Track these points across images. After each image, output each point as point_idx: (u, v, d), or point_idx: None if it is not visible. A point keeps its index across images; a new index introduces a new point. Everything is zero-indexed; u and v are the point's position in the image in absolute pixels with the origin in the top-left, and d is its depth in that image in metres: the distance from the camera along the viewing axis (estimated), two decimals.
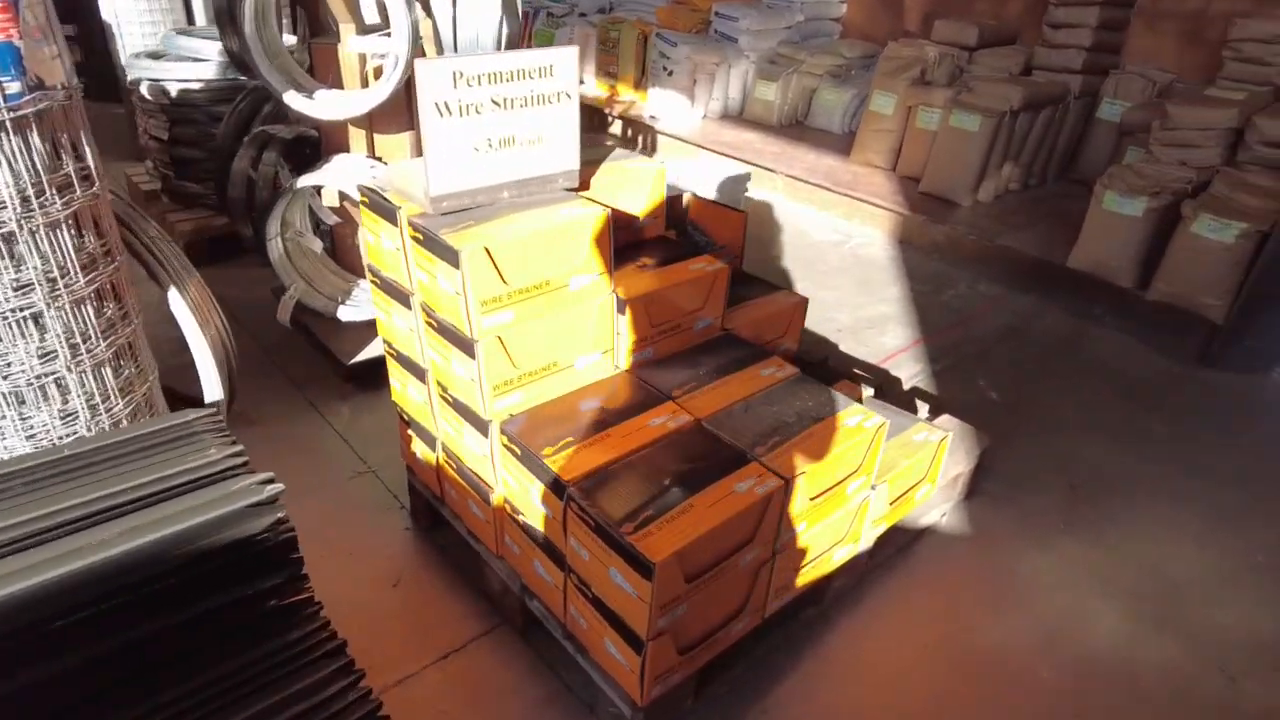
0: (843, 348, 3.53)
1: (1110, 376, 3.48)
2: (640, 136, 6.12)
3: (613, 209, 2.20)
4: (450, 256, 1.67)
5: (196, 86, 3.74)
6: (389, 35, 2.53)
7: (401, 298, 1.99)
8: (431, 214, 1.80)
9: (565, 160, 1.96)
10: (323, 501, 2.53)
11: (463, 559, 2.26)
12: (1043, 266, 4.10)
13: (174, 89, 3.73)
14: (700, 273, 2.10)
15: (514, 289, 1.75)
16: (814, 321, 3.71)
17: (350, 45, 2.50)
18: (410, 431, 2.28)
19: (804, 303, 2.52)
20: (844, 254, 4.51)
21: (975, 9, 6.01)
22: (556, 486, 1.69)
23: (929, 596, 2.30)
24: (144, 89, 3.77)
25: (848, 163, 5.38)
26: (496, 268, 1.70)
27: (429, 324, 1.91)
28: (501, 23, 2.95)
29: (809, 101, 6.18)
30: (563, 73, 1.86)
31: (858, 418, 1.93)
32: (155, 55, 3.97)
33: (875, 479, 2.05)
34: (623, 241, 2.19)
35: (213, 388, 2.26)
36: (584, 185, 2.09)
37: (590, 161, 2.19)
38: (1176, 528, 2.63)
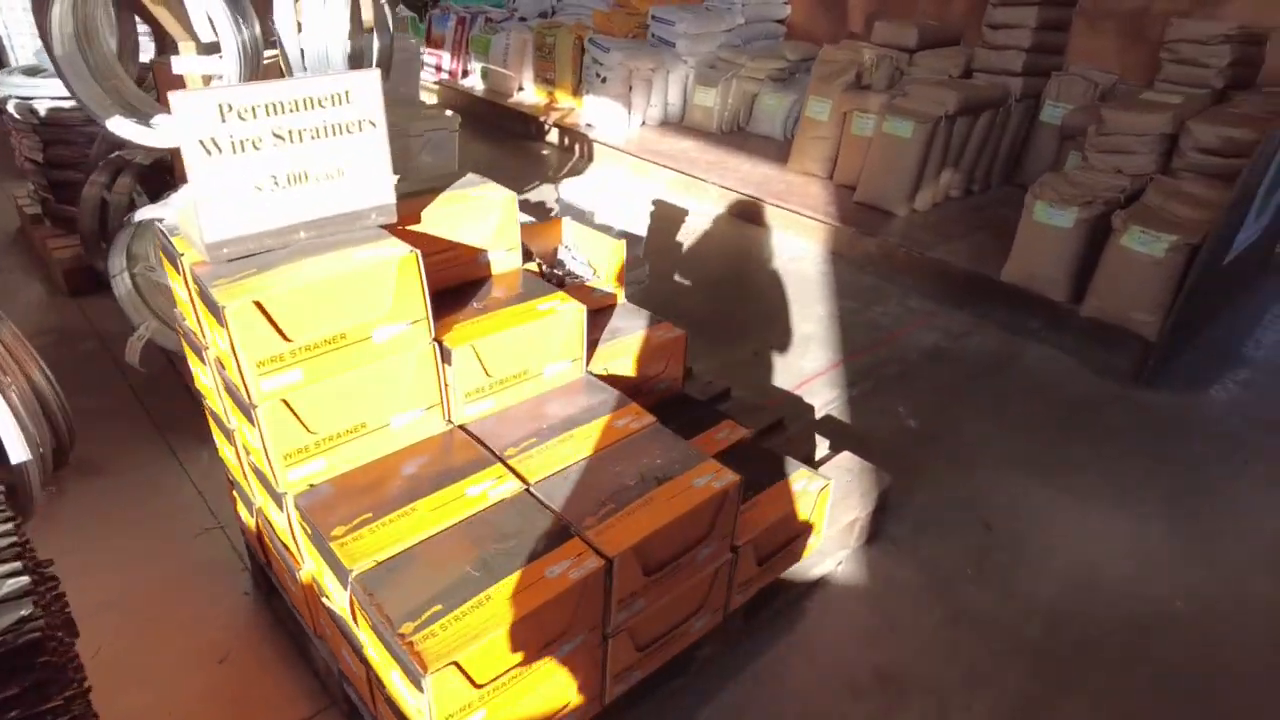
0: (758, 373, 3.33)
1: (1040, 398, 3.30)
2: (577, 145, 5.91)
3: (452, 243, 2.00)
4: (217, 313, 1.46)
5: (69, 105, 3.50)
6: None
7: (198, 352, 1.78)
8: (211, 262, 1.58)
9: (378, 194, 1.74)
10: (162, 564, 2.30)
11: (295, 631, 2.04)
12: (976, 280, 3.92)
13: (44, 108, 3.49)
14: (550, 312, 1.89)
15: (300, 345, 1.54)
16: (731, 344, 3.51)
17: (177, 66, 2.28)
18: (235, 492, 2.06)
19: (682, 338, 2.32)
20: (773, 269, 4.31)
21: (918, 9, 5.84)
22: (342, 573, 1.48)
23: (806, 663, 2.10)
24: (12, 107, 3.52)
25: (785, 171, 5.19)
26: (273, 323, 1.49)
27: (221, 383, 1.69)
28: (368, 38, 2.73)
29: (751, 107, 5.99)
30: (362, 99, 1.64)
31: (708, 477, 1.72)
32: (32, 71, 3.73)
33: (737, 539, 1.85)
34: (461, 279, 1.99)
35: (17, 448, 2.04)
36: (412, 219, 1.88)
37: (427, 191, 1.99)
38: (1094, 572, 2.44)
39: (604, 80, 5.67)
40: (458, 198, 1.98)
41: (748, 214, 4.84)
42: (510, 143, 6.26)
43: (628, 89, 5.79)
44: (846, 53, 4.98)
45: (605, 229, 3.18)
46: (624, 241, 2.38)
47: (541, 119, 6.14)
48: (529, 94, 6.67)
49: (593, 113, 5.86)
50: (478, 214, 2.00)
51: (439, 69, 7.11)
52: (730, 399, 2.74)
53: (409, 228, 1.89)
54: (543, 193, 5.19)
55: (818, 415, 3.08)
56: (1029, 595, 2.34)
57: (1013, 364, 3.53)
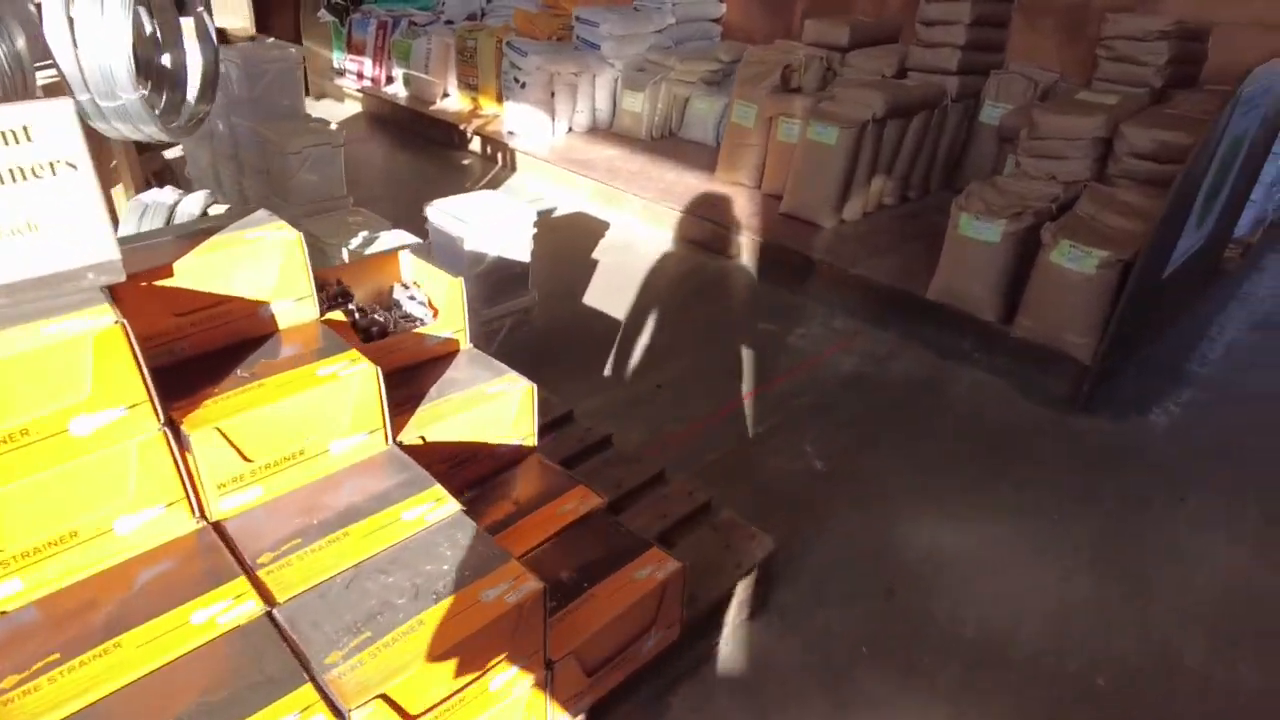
0: (655, 411, 3.03)
1: (965, 429, 3.03)
2: (499, 154, 5.59)
3: (221, 296, 1.68)
4: None
5: None
6: None
7: None
8: None
9: (94, 249, 1.41)
10: None
11: None
12: (903, 298, 3.64)
13: None
14: (331, 378, 1.58)
15: None
16: (632, 377, 3.21)
17: None
18: None
19: (530, 390, 2.00)
20: (690, 290, 4.02)
21: (855, 6, 5.56)
22: None
23: None
24: None
25: (712, 181, 4.89)
26: None
27: None
28: (182, 51, 2.40)
29: (683, 112, 5.69)
30: (51, 135, 1.32)
31: (503, 586, 1.41)
32: None
33: (552, 652, 1.54)
34: (234, 338, 1.67)
35: None
36: (164, 271, 1.56)
37: (194, 234, 1.67)
38: (1007, 644, 2.16)
39: (523, 86, 5.35)
40: (230, 241, 1.66)
41: (668, 229, 4.54)
42: (433, 152, 5.92)
43: (550, 95, 5.48)
44: (773, 53, 4.69)
45: (477, 257, 2.86)
46: (461, 280, 2.07)
47: (463, 127, 5.81)
48: (454, 100, 6.34)
49: (514, 120, 5.54)
50: (255, 259, 1.68)
51: (360, 76, 6.76)
52: (610, 448, 2.44)
53: (159, 283, 1.57)
54: None
55: (715, 458, 2.78)
56: (929, 676, 2.05)
57: (938, 391, 3.26)
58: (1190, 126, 3.28)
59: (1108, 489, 2.77)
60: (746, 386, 3.20)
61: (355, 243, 3.43)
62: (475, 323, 2.91)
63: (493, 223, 2.85)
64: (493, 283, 2.92)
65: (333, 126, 3.84)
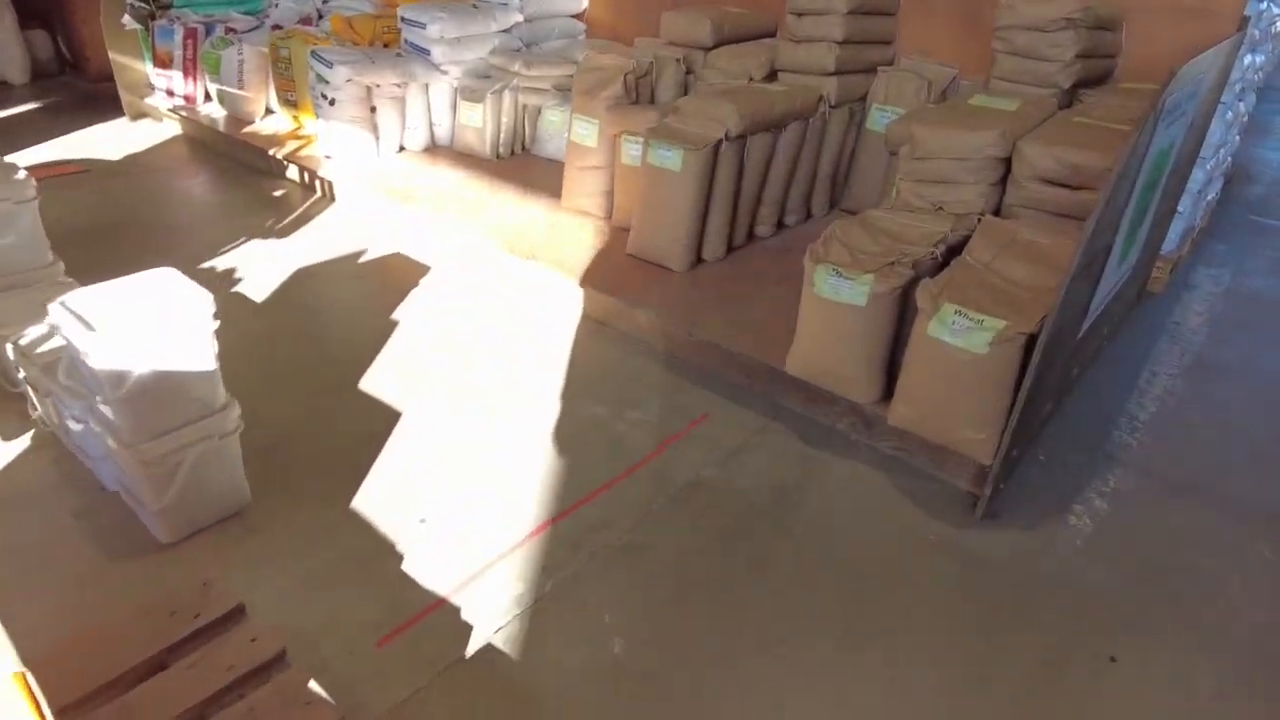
0: (396, 571, 2.20)
1: (828, 557, 2.26)
2: (317, 182, 4.68)
3: None
4: None
5: None
6: None
7: None
8: None
9: None
10: None
11: None
12: (761, 370, 2.87)
13: None
14: None
15: None
16: (394, 503, 2.37)
17: None
18: None
19: None
20: (507, 360, 3.18)
21: None
22: None
23: None
24: None
25: (558, 210, 4.07)
26: None
27: None
28: None
29: (535, 124, 4.86)
30: None
31: None
32: None
33: None
34: None
35: None
36: None
37: None
38: None
39: (332, 102, 4.45)
40: None
41: (494, 274, 3.70)
42: (247, 182, 4.98)
43: (370, 110, 4.59)
44: (611, 57, 3.88)
45: (117, 376, 1.97)
46: None
47: (272, 151, 4.88)
48: (276, 119, 5.40)
49: (330, 142, 4.64)
50: None
51: (170, 94, 5.76)
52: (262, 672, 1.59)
53: None
54: (248, 253, 3.96)
55: (456, 659, 1.95)
56: None
57: (798, 501, 2.49)
58: (1105, 142, 2.56)
59: (1014, 646, 2.03)
60: (542, 512, 2.39)
61: (35, 332, 2.53)
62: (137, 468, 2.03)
63: (140, 325, 1.98)
64: (154, 406, 2.04)
65: (20, 174, 2.92)
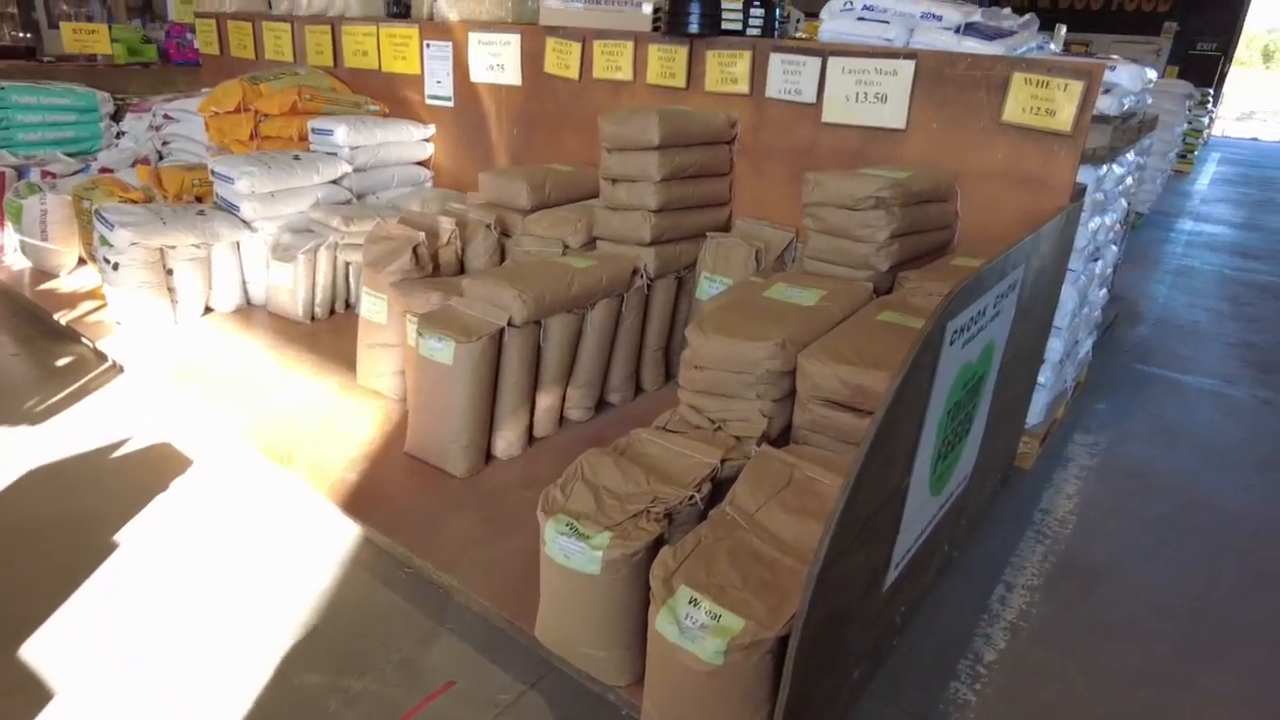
0: None
1: None
2: (109, 350, 4.14)
3: None
4: None
5: None
6: None
7: None
8: None
9: None
10: None
11: None
12: (498, 636, 2.34)
13: None
14: None
15: None
16: None
17: None
18: None
19: None
20: (223, 603, 2.61)
21: (567, 146, 4.48)
22: None
23: None
24: None
25: (351, 388, 3.58)
26: None
27: None
28: None
29: (359, 283, 4.42)
30: None
31: None
32: None
33: None
34: None
35: None
36: None
37: None
38: None
39: (115, 267, 3.97)
40: None
41: (253, 477, 3.16)
42: (41, 345, 4.42)
43: (165, 273, 4.11)
44: (411, 224, 3.48)
45: None
46: None
47: (58, 315, 4.35)
48: (83, 274, 4.90)
49: (119, 307, 4.13)
50: None
51: None
52: None
53: None
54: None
55: None
56: None
57: None
58: (901, 353, 2.16)
59: None
60: None
61: None
62: None
63: None
64: None
65: None
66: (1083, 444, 3.95)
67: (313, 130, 4.75)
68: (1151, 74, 4.05)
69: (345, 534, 2.86)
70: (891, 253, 2.82)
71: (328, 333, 4.21)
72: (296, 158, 4.51)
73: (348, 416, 3.35)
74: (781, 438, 2.44)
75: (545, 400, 3.17)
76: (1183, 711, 2.39)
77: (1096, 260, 3.87)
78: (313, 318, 4.33)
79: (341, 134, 4.65)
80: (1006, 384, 2.72)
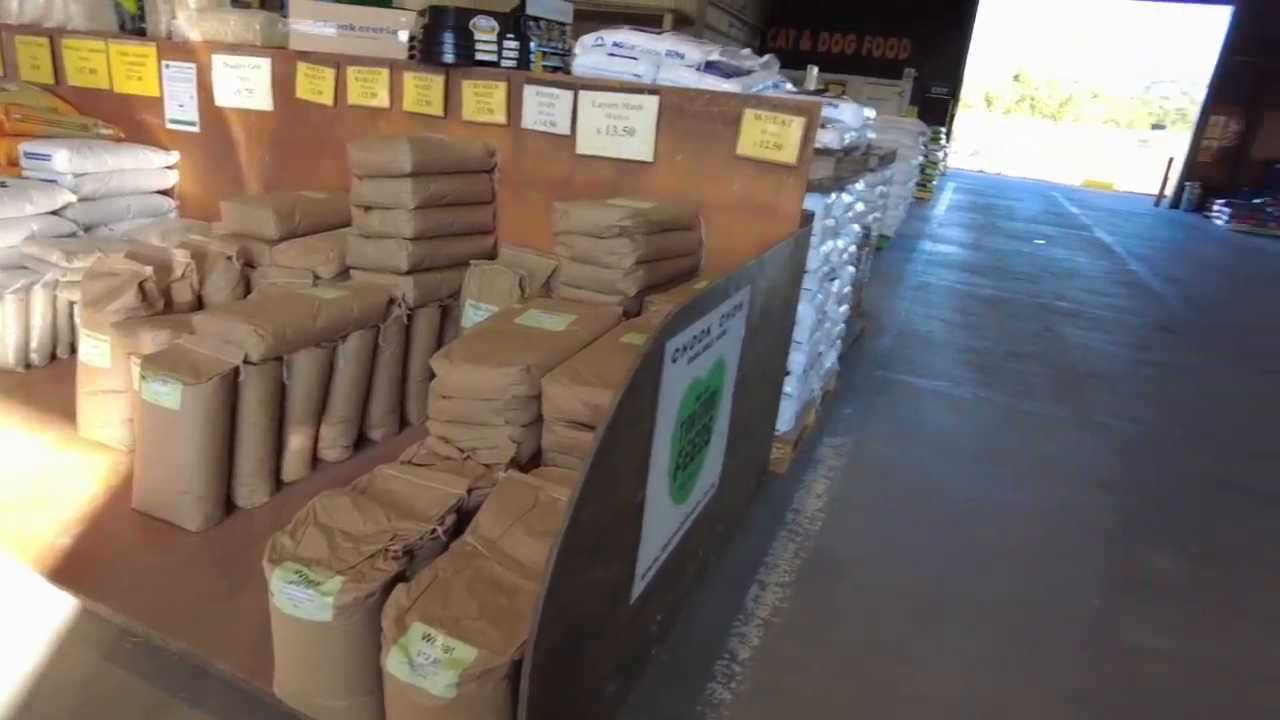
0: None
1: None
2: None
3: None
4: None
5: None
6: None
7: None
8: None
9: None
10: None
11: None
12: (239, 699, 2.18)
13: None
14: None
15: None
16: None
17: None
18: None
19: None
20: None
21: (322, 173, 4.30)
22: None
23: None
24: None
25: (73, 440, 3.20)
26: None
27: None
28: None
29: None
30: None
31: None
32: None
33: None
34: None
35: None
36: None
37: None
38: None
39: None
40: None
41: None
42: None
43: None
44: (126, 261, 3.18)
45: None
46: None
47: None
48: None
49: None
50: None
51: None
52: None
53: None
54: None
55: None
56: None
57: None
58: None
59: None
60: None
61: None
62: None
63: None
64: None
65: None
66: (832, 446, 4.31)
67: (25, 154, 4.23)
68: (870, 112, 4.54)
69: (61, 608, 2.54)
70: (637, 278, 2.95)
71: (47, 380, 3.74)
72: (4, 184, 3.99)
73: (66, 473, 2.99)
74: (534, 462, 2.46)
75: (294, 441, 3.00)
76: (909, 676, 2.66)
77: (833, 280, 4.26)
78: (28, 365, 3.83)
79: (62, 159, 4.18)
80: (746, 396, 2.92)
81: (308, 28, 4.12)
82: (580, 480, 1.67)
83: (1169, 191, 22.56)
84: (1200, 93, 21.49)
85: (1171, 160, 22.78)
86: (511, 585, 1.88)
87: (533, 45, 4.01)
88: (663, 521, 2.29)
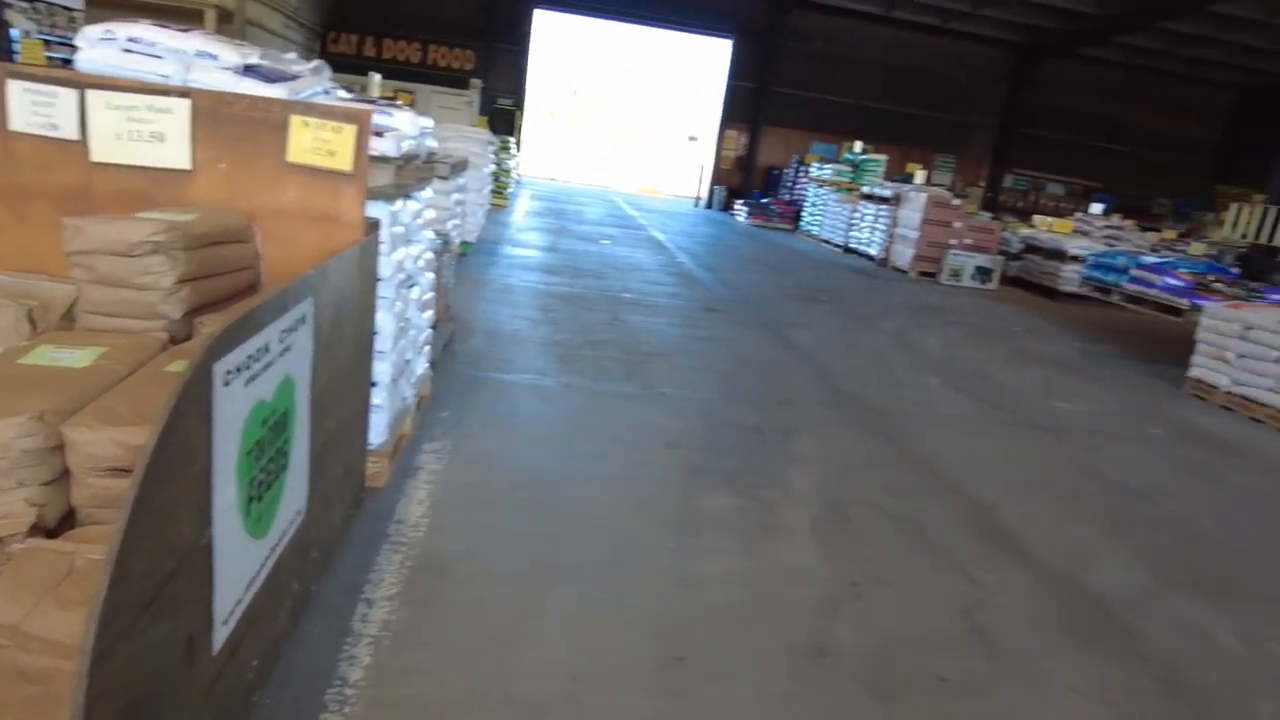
0: None
1: None
2: None
3: None
4: None
5: None
6: None
7: None
8: None
9: None
10: None
11: None
12: None
13: None
14: None
15: None
16: None
17: None
18: None
19: None
20: None
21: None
22: None
23: None
24: None
25: None
26: None
27: None
28: None
29: None
30: None
31: None
32: None
33: None
34: None
35: None
36: None
37: None
38: None
39: None
40: None
41: None
42: None
43: None
44: None
45: None
46: None
47: None
48: None
49: None
50: None
51: None
52: None
53: None
54: None
55: None
56: None
57: None
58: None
59: None
60: None
61: None
62: None
63: None
64: None
65: None
66: (431, 451, 4.35)
67: None
68: (427, 120, 4.63)
69: None
70: (182, 298, 2.66)
71: None
72: None
73: None
74: (67, 524, 2.10)
75: None
76: (518, 653, 2.81)
77: (412, 286, 4.28)
78: None
79: None
80: (327, 413, 2.82)
81: None
82: (119, 531, 1.48)
83: (704, 194, 26.60)
84: (719, 111, 25.78)
85: (703, 168, 26.89)
86: (44, 671, 1.59)
87: (19, 30, 3.36)
88: (241, 560, 2.12)
